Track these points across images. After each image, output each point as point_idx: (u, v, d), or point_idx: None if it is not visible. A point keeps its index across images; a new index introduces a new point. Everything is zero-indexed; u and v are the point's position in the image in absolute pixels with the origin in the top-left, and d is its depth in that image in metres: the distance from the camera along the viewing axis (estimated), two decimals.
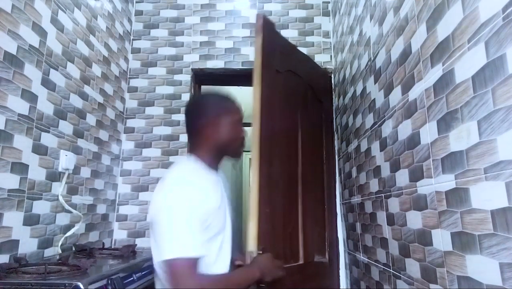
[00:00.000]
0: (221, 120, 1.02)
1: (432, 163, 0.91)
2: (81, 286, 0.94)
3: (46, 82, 1.45)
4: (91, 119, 1.83)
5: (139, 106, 2.28)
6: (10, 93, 1.24)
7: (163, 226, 0.86)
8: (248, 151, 1.28)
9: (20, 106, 1.29)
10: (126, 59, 2.30)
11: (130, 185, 2.16)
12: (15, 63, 1.26)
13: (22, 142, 1.30)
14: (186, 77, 2.31)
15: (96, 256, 1.43)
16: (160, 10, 2.42)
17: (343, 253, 2.05)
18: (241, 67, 2.32)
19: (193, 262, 0.84)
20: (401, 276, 1.14)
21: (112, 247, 1.97)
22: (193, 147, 1.04)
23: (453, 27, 0.81)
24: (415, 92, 1.01)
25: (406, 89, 1.08)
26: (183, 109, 2.25)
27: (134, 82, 2.32)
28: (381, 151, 1.33)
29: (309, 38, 2.35)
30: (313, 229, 1.76)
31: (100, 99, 1.93)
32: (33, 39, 1.37)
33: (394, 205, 1.19)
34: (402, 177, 1.11)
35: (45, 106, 1.44)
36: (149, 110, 2.27)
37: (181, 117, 2.25)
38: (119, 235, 2.10)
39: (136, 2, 2.45)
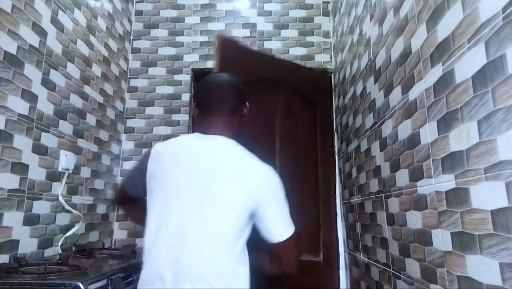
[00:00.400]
0: (247, 105, 1.11)
1: (432, 163, 0.91)
2: (81, 286, 0.94)
3: (46, 82, 1.45)
4: (91, 119, 1.83)
5: (139, 106, 2.28)
6: (10, 93, 1.24)
7: (279, 203, 0.97)
8: None
9: (20, 106, 1.29)
10: (126, 59, 2.30)
11: None
12: (15, 63, 1.26)
13: (22, 142, 1.30)
14: (186, 77, 2.31)
15: (96, 256, 1.43)
16: (160, 10, 2.42)
17: (343, 253, 2.05)
18: None
19: None
20: (401, 276, 1.14)
21: (112, 247, 1.97)
22: (227, 128, 1.04)
23: (453, 27, 0.81)
24: (415, 92, 1.01)
25: (406, 89, 1.08)
26: (183, 109, 2.26)
27: (134, 82, 2.32)
28: (381, 151, 1.33)
29: (309, 38, 2.35)
30: (305, 229, 1.81)
31: (100, 99, 1.93)
32: (33, 39, 1.37)
33: (394, 205, 1.19)
34: (402, 177, 1.11)
35: (45, 106, 1.44)
36: (149, 110, 2.27)
37: (181, 117, 2.24)
38: (119, 235, 2.10)
39: (136, 2, 2.45)
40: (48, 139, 1.46)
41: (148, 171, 1.04)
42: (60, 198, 1.53)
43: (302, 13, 2.39)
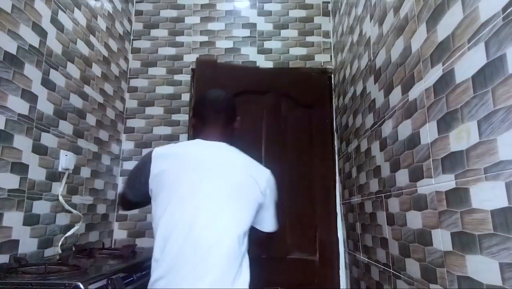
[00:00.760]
0: (238, 119, 1.29)
1: (432, 163, 0.91)
2: (81, 286, 0.94)
3: (46, 82, 1.45)
4: (91, 119, 1.83)
5: (139, 106, 2.28)
6: (10, 93, 1.24)
7: (274, 201, 1.17)
8: None
9: (20, 106, 1.29)
10: (126, 59, 2.30)
11: None
12: (15, 63, 1.26)
13: (22, 142, 1.30)
14: (186, 77, 2.31)
15: (96, 256, 1.43)
16: (160, 10, 2.42)
17: (343, 253, 2.05)
18: None
19: None
20: (401, 276, 1.14)
21: (112, 247, 1.97)
22: (224, 136, 1.20)
23: (453, 27, 0.81)
24: (415, 92, 1.01)
25: (406, 89, 1.08)
26: (183, 109, 2.26)
27: (134, 82, 2.32)
28: (381, 151, 1.33)
29: (309, 38, 2.35)
30: (300, 229, 2.00)
31: (100, 99, 1.93)
32: (33, 39, 1.37)
33: (394, 205, 1.19)
34: (402, 177, 1.12)
35: (45, 106, 1.44)
36: (149, 110, 2.27)
37: (181, 117, 2.24)
38: (119, 235, 2.10)
39: (136, 2, 2.45)
40: (48, 140, 1.46)
41: (152, 174, 1.09)
42: (60, 198, 1.53)
43: (302, 13, 2.39)
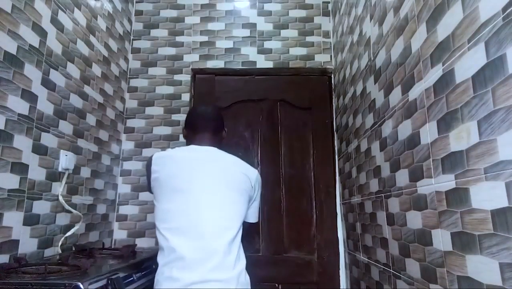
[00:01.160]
0: (225, 130, 1.47)
1: (432, 163, 0.91)
2: (81, 286, 0.94)
3: (46, 82, 1.45)
4: (91, 119, 1.83)
5: (139, 106, 2.28)
6: (10, 93, 1.24)
7: (260, 197, 1.39)
8: None
9: (20, 106, 1.29)
10: (126, 59, 2.30)
11: (130, 185, 2.16)
12: (15, 63, 1.26)
13: (22, 142, 1.30)
14: (186, 77, 2.31)
15: (96, 256, 1.43)
16: (160, 10, 2.42)
17: (343, 253, 2.05)
18: (241, 67, 2.31)
19: None
20: (401, 276, 1.14)
21: (112, 247, 1.97)
22: (214, 142, 1.35)
23: (453, 27, 0.81)
24: (415, 92, 1.01)
25: (406, 89, 1.08)
26: (183, 109, 2.26)
27: (134, 82, 2.32)
28: (381, 151, 1.33)
29: (309, 38, 2.35)
30: (299, 229, 2.11)
31: (100, 99, 1.93)
32: (33, 39, 1.37)
33: (394, 205, 1.19)
34: (402, 177, 1.12)
35: (45, 106, 1.44)
36: (149, 110, 2.27)
37: (181, 117, 2.24)
38: (119, 235, 2.10)
39: (136, 2, 2.45)
40: (48, 140, 1.46)
41: (153, 176, 1.24)
42: (60, 198, 1.53)
43: (302, 13, 2.39)
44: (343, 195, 2.03)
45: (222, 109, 2.19)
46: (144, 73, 2.33)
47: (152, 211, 1.28)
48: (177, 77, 2.31)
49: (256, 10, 2.40)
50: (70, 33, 1.63)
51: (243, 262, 1.19)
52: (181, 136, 2.22)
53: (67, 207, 1.56)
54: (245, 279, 1.17)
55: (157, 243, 1.20)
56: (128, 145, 2.22)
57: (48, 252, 1.46)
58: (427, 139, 0.94)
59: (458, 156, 0.79)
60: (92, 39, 1.85)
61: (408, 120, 1.07)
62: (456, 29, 0.80)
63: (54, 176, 1.50)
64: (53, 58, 1.50)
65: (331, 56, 2.31)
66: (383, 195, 1.31)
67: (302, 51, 2.33)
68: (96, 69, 1.89)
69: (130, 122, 2.26)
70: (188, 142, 1.38)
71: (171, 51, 2.35)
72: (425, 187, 0.95)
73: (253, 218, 1.37)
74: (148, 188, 1.30)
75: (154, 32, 2.39)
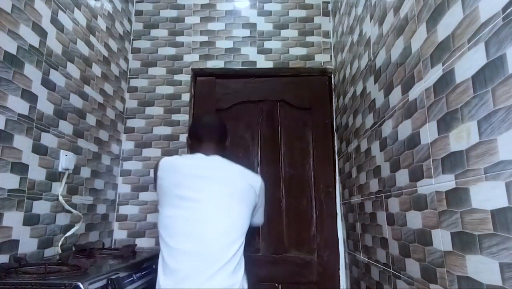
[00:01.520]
0: (229, 139, 1.52)
1: (432, 163, 0.91)
2: (81, 286, 0.94)
3: (46, 82, 1.45)
4: (91, 119, 1.83)
5: (139, 106, 2.28)
6: (10, 93, 1.24)
7: (264, 202, 1.47)
8: None
9: (20, 106, 1.29)
10: (126, 59, 2.30)
11: (130, 185, 2.16)
12: (15, 63, 1.26)
13: (22, 142, 1.30)
14: (186, 77, 2.31)
15: (96, 256, 1.43)
16: (160, 10, 2.42)
17: (343, 253, 2.05)
18: (241, 67, 2.31)
19: None
20: (401, 276, 1.14)
21: (112, 247, 1.97)
22: (218, 151, 1.40)
23: (453, 27, 0.81)
24: (415, 92, 1.01)
25: (406, 89, 1.08)
26: (183, 109, 2.26)
27: (134, 82, 2.32)
28: (381, 151, 1.33)
29: (309, 38, 2.35)
30: (299, 229, 2.12)
31: (100, 99, 1.93)
32: (33, 39, 1.37)
33: (394, 205, 1.19)
34: (402, 177, 1.12)
35: (45, 106, 1.44)
36: (149, 110, 2.27)
37: (181, 117, 2.25)
38: (119, 235, 2.10)
39: (136, 2, 2.45)
40: (48, 140, 1.46)
41: (158, 182, 1.28)
42: (60, 198, 1.53)
43: (302, 13, 2.39)
44: (343, 195, 2.03)
45: (222, 110, 2.25)
46: (144, 73, 2.33)
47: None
48: (177, 77, 2.31)
49: (256, 10, 2.40)
50: (70, 33, 1.63)
51: (243, 269, 1.23)
52: (181, 136, 2.22)
53: (67, 207, 1.56)
54: (242, 287, 1.21)
55: (157, 243, 1.22)
56: (128, 145, 2.22)
57: (48, 252, 1.46)
58: (427, 139, 0.94)
59: (458, 156, 0.79)
60: (92, 39, 1.85)
61: (408, 120, 1.07)
62: (456, 29, 0.80)
63: (54, 176, 1.50)
64: (53, 58, 1.50)
65: (331, 56, 2.31)
66: (383, 195, 1.31)
67: (302, 51, 2.33)
68: (96, 69, 1.89)
69: (130, 122, 2.26)
70: (193, 152, 1.42)
71: (171, 51, 2.35)
72: (425, 187, 0.95)
73: (258, 220, 1.45)
74: (154, 188, 1.35)
75: (154, 32, 2.39)
